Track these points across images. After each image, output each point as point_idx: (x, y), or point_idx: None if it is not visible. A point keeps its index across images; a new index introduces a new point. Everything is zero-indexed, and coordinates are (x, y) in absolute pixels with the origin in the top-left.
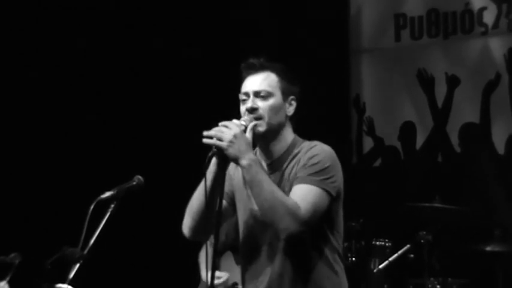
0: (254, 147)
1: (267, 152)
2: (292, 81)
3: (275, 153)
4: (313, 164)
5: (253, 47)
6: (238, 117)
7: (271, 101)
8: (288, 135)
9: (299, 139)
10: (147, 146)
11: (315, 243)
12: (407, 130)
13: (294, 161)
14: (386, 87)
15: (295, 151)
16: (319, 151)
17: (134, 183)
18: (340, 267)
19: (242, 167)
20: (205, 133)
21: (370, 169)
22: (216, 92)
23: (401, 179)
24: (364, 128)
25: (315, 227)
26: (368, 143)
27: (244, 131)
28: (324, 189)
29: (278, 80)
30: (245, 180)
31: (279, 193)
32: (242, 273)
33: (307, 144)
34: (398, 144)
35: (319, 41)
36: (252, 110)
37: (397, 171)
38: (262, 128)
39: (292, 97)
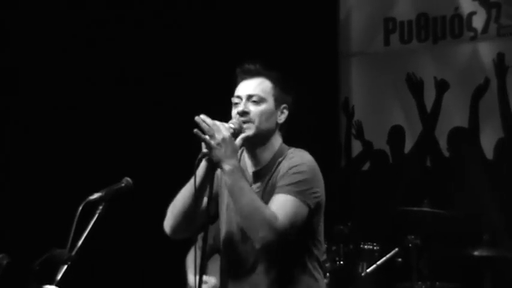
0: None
1: (254, 159)
2: (286, 90)
3: (262, 161)
4: (294, 174)
5: (243, 51)
6: (228, 121)
7: (263, 106)
8: (276, 143)
9: (285, 147)
10: (135, 148)
11: (296, 253)
12: (396, 134)
13: (278, 169)
14: (376, 91)
15: (280, 160)
16: (300, 161)
17: (123, 184)
18: (319, 274)
19: (224, 172)
20: (197, 119)
21: (358, 173)
22: (205, 95)
23: (390, 183)
24: (353, 131)
25: (294, 237)
26: (357, 147)
27: (233, 134)
28: (302, 200)
29: (272, 87)
30: (226, 186)
31: (258, 202)
32: (223, 281)
33: (290, 151)
34: (387, 148)
35: (309, 45)
36: (243, 113)
37: (385, 175)
38: (250, 132)
39: (284, 105)
